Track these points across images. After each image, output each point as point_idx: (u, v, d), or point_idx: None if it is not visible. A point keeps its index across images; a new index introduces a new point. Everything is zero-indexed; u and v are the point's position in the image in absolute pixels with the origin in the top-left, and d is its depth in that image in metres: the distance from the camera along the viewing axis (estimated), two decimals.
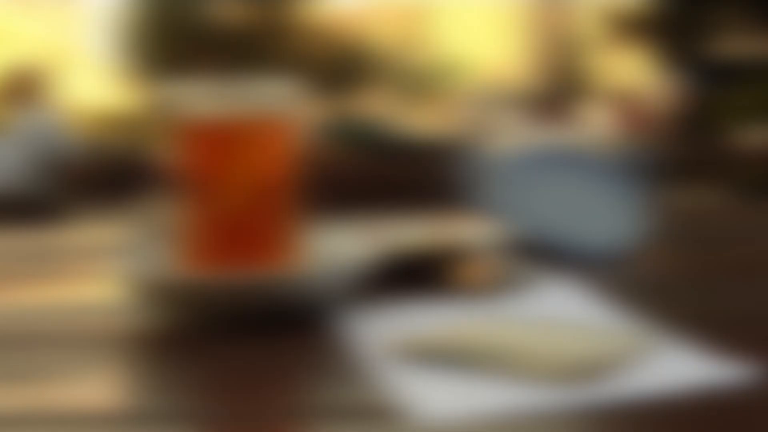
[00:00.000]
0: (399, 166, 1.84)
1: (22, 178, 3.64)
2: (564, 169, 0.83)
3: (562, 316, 0.51)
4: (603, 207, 0.81)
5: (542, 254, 0.76)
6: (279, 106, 0.56)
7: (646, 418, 0.34)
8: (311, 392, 0.40)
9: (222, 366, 0.45)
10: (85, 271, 0.85)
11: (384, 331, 0.50)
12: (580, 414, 0.35)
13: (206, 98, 0.55)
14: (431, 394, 0.37)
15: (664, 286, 0.64)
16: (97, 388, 0.42)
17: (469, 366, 0.41)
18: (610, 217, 0.81)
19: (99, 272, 0.82)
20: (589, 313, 0.52)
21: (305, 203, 0.60)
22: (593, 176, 0.83)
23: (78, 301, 0.66)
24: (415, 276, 0.69)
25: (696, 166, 5.00)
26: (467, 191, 0.87)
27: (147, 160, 2.90)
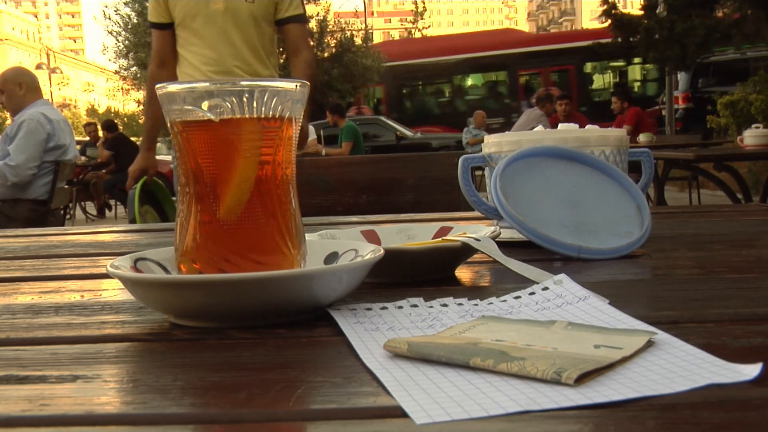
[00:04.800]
0: (399, 166, 1.84)
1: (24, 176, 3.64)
2: (564, 169, 0.83)
3: (562, 316, 0.51)
4: (603, 206, 0.81)
5: (542, 253, 0.76)
6: (280, 106, 0.56)
7: (646, 418, 0.34)
8: (311, 392, 0.40)
9: (222, 366, 0.45)
10: (85, 271, 0.85)
11: (384, 332, 0.50)
12: (579, 414, 0.35)
13: (207, 98, 0.55)
14: (431, 394, 0.37)
15: (664, 286, 0.64)
16: (96, 387, 0.42)
17: (468, 366, 0.41)
18: (611, 216, 0.81)
19: (99, 272, 0.82)
20: (590, 313, 0.52)
21: (305, 203, 0.60)
22: (594, 175, 0.83)
23: (78, 300, 0.66)
24: (415, 275, 0.69)
25: (696, 166, 4.99)
26: (467, 191, 0.87)
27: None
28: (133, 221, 2.74)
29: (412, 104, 18.19)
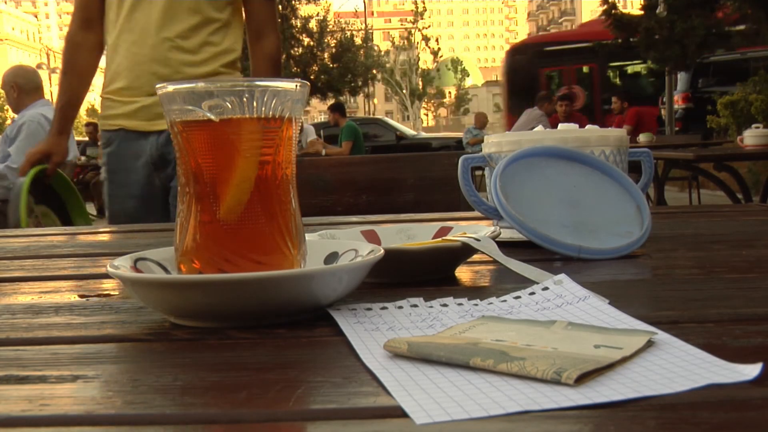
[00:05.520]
0: (399, 166, 1.84)
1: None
2: (564, 169, 0.83)
3: (562, 316, 0.51)
4: (603, 206, 0.81)
5: (542, 253, 0.76)
6: (280, 106, 0.56)
7: (646, 418, 0.34)
8: (311, 392, 0.40)
9: (222, 366, 0.45)
10: (85, 271, 0.85)
11: (384, 332, 0.50)
12: (579, 414, 0.35)
13: (207, 98, 0.55)
14: (431, 394, 0.37)
15: (664, 286, 0.64)
16: (96, 387, 0.42)
17: (468, 366, 0.41)
18: (611, 216, 0.81)
19: (99, 272, 0.82)
20: (590, 313, 0.52)
21: (305, 203, 0.60)
22: (594, 175, 0.83)
23: (78, 300, 0.66)
24: (415, 275, 0.69)
25: (696, 166, 4.99)
26: (467, 191, 0.87)
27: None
28: (17, 226, 2.06)
29: (623, 83, 16.93)
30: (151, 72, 1.94)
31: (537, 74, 17.77)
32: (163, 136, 1.97)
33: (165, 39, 1.94)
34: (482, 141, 0.95)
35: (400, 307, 0.55)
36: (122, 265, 0.58)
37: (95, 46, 2.08)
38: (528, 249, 0.79)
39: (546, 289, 0.57)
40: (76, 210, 2.31)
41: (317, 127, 10.51)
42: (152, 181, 1.99)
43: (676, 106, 12.87)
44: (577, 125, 0.90)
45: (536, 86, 17.57)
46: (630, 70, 17.55)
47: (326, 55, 22.72)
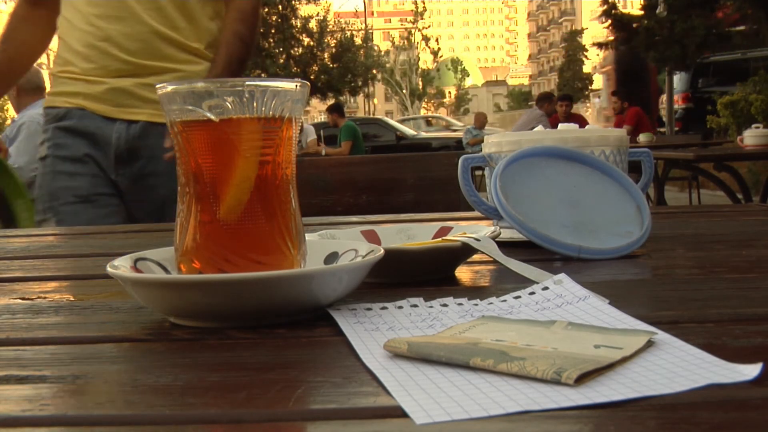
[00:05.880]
0: (399, 166, 1.84)
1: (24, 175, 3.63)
2: (564, 169, 0.83)
3: (562, 316, 0.51)
4: (603, 206, 0.81)
5: (542, 253, 0.76)
6: (280, 106, 0.56)
7: (646, 418, 0.34)
8: (311, 392, 0.40)
9: (222, 366, 0.45)
10: (85, 271, 0.85)
11: (384, 332, 0.50)
12: (579, 414, 0.35)
13: (207, 98, 0.55)
14: (431, 394, 0.37)
15: (664, 286, 0.64)
16: (96, 387, 0.42)
17: (468, 366, 0.41)
18: (611, 216, 0.81)
19: (99, 272, 0.82)
20: (590, 313, 0.52)
21: (305, 203, 0.60)
22: (594, 175, 0.83)
23: (78, 300, 0.66)
24: (415, 275, 0.69)
25: (696, 166, 4.99)
26: (467, 191, 0.87)
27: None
28: None
29: None
30: (121, 48, 1.67)
31: (646, 65, 17.36)
32: (136, 128, 1.68)
33: (140, 10, 1.67)
34: (482, 141, 0.95)
35: (400, 307, 0.55)
36: (122, 265, 0.58)
37: (41, 23, 1.81)
38: (528, 249, 0.79)
39: (546, 289, 0.57)
40: (12, 192, 2.03)
41: (317, 127, 10.51)
42: (106, 174, 1.70)
43: (676, 106, 12.88)
44: (577, 125, 0.90)
45: (646, 78, 17.17)
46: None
47: (326, 55, 22.74)
